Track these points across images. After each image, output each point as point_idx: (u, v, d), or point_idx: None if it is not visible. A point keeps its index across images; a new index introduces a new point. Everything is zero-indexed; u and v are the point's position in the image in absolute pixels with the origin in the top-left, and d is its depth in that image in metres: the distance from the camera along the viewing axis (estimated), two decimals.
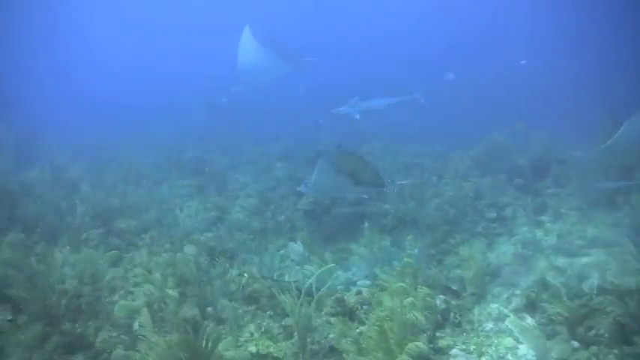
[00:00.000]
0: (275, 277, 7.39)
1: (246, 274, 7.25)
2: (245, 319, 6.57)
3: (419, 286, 5.97)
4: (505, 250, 8.42)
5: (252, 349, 5.91)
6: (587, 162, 10.37)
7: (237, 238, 9.40)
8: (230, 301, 6.90)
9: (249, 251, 8.40)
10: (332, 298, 6.40)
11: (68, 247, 8.10)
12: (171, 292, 6.69)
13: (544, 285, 6.46)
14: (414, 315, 5.08)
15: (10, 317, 6.76)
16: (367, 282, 6.99)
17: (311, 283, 5.82)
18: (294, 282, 6.88)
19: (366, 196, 9.78)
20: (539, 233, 8.63)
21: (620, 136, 7.59)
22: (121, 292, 7.37)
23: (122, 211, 10.02)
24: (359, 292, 6.60)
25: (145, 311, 5.67)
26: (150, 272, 7.61)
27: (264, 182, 13.50)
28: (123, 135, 19.60)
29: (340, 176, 6.98)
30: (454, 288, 6.89)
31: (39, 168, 12.76)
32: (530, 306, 6.07)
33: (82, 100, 29.40)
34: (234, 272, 7.76)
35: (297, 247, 7.11)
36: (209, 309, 6.73)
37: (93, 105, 27.50)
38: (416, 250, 7.64)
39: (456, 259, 8.04)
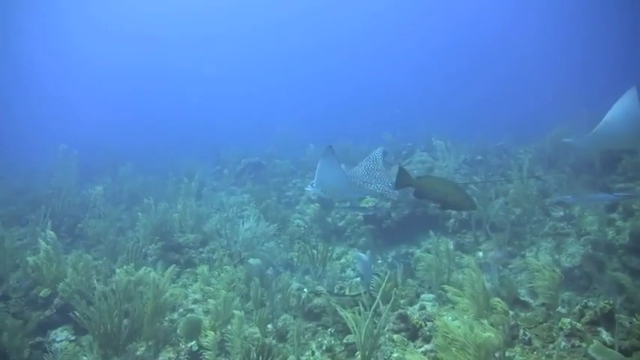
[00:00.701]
0: (336, 292, 7.17)
1: (305, 290, 7.09)
2: (306, 336, 6.41)
3: (491, 299, 5.61)
4: (574, 252, 7.90)
5: None
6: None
7: (297, 247, 9.33)
8: (292, 317, 6.77)
9: (309, 262, 8.18)
10: (395, 313, 6.14)
11: (132, 264, 8.19)
12: (235, 311, 6.65)
13: (619, 291, 5.97)
14: (488, 335, 4.71)
15: (72, 337, 6.94)
16: (431, 295, 6.65)
17: (375, 299, 5.60)
18: (356, 295, 6.68)
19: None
20: (610, 232, 8.02)
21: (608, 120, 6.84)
22: (181, 310, 7.38)
23: (182, 223, 10.06)
24: (422, 308, 6.31)
25: (210, 333, 5.61)
26: (210, 288, 7.63)
27: None
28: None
29: (341, 172, 6.44)
30: (522, 299, 6.48)
31: (101, 182, 13.15)
32: (606, 319, 5.56)
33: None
34: (294, 286, 7.65)
35: (364, 259, 6.77)
36: (269, 326, 6.63)
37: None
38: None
39: (523, 262, 7.67)
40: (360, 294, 6.61)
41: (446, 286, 5.92)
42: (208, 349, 5.47)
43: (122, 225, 11.10)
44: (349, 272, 8.86)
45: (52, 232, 7.85)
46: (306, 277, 8.01)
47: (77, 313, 6.30)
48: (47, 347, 6.61)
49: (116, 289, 6.47)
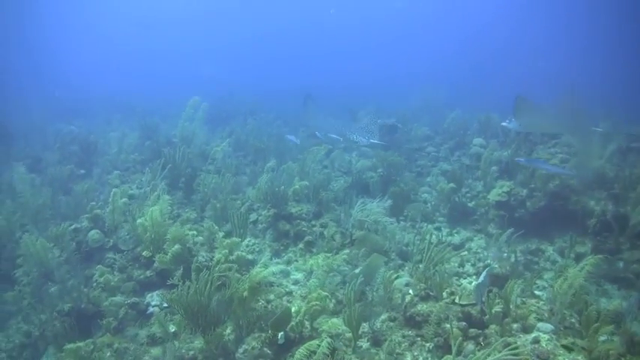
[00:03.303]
0: (445, 297, 6.51)
1: (411, 291, 6.58)
2: (402, 345, 5.95)
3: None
4: None
5: None
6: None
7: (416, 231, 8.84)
8: (391, 320, 6.34)
9: (424, 251, 7.56)
10: (500, 340, 5.38)
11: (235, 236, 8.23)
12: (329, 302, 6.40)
13: None
14: None
15: (165, 304, 7.13)
16: (549, 326, 5.65)
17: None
18: (466, 305, 6.05)
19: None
20: None
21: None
22: (278, 293, 7.25)
23: (298, 192, 9.91)
24: (536, 341, 5.37)
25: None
26: (310, 273, 7.46)
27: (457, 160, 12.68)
28: None
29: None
30: None
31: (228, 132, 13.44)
32: None
33: None
34: (402, 281, 7.18)
35: (481, 279, 5.99)
36: (364, 324, 6.26)
37: None
38: None
39: None
40: (470, 305, 6.01)
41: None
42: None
43: (240, 181, 11.25)
44: (468, 268, 8.20)
45: (165, 196, 8.02)
46: (420, 267, 7.37)
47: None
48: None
49: (212, 266, 6.48)
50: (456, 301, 6.26)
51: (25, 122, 18.41)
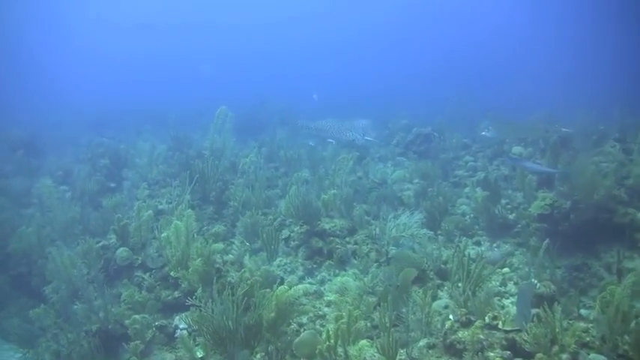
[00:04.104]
0: (487, 321, 6.16)
1: (451, 316, 6.26)
2: None
3: None
4: None
5: None
6: None
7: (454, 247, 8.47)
8: (429, 347, 6.04)
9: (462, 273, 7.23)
10: None
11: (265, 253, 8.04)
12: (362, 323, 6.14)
13: None
14: None
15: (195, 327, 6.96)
16: (601, 357, 5.23)
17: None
18: (510, 331, 5.72)
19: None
20: None
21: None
22: (311, 315, 7.01)
23: (327, 207, 9.65)
24: None
25: None
26: (344, 293, 7.18)
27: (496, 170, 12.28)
28: None
29: None
30: None
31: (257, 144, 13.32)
32: None
33: None
34: (441, 302, 6.87)
35: (523, 287, 5.63)
36: (402, 351, 5.97)
37: None
38: None
39: None
40: (515, 330, 5.67)
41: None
42: None
43: (272, 194, 11.08)
44: (511, 287, 7.80)
45: (189, 211, 7.85)
46: (459, 286, 7.03)
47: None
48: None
49: (237, 285, 6.27)
50: (500, 326, 5.93)
51: (57, 135, 18.72)
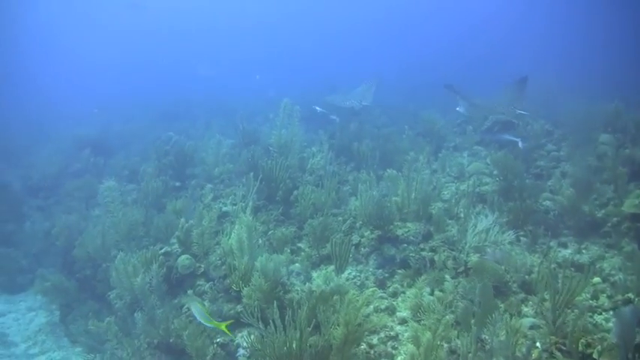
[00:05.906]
0: (581, 349, 5.46)
1: (538, 344, 5.62)
2: None
3: None
4: None
5: None
6: None
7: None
8: None
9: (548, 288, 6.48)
10: None
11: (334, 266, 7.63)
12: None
13: None
14: None
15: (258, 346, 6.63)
16: None
17: None
18: None
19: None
20: None
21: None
22: (382, 335, 6.54)
23: (403, 205, 9.04)
24: None
25: None
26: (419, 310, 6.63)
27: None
28: None
29: None
30: None
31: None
32: None
33: None
34: (527, 321, 6.23)
35: (622, 313, 4.89)
36: None
37: None
38: None
39: None
40: None
41: None
42: None
43: (342, 192, 10.66)
44: (603, 300, 6.89)
45: (246, 217, 7.50)
46: (546, 303, 6.34)
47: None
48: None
49: (303, 304, 5.88)
50: (594, 356, 5.23)
51: (127, 129, 18.97)
